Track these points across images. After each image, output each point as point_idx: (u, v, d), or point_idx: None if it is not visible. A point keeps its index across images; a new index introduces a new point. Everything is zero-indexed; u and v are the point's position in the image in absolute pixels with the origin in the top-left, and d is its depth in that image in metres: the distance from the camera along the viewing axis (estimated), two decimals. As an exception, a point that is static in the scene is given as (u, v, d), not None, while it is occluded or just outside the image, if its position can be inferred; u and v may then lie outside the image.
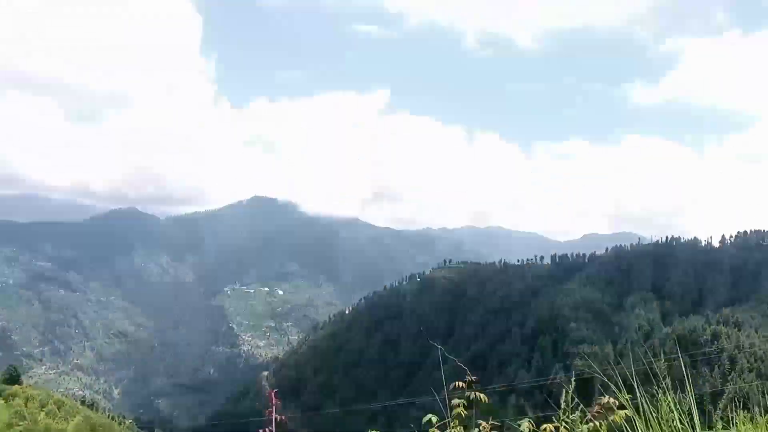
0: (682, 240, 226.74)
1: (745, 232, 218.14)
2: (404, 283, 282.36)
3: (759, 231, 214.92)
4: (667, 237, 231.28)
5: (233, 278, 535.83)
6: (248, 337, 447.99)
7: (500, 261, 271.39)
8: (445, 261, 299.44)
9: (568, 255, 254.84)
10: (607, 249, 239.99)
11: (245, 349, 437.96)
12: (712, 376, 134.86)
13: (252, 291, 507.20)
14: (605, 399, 5.24)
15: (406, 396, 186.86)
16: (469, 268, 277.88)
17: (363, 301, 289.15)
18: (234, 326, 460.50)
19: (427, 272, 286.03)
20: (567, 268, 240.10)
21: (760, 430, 5.62)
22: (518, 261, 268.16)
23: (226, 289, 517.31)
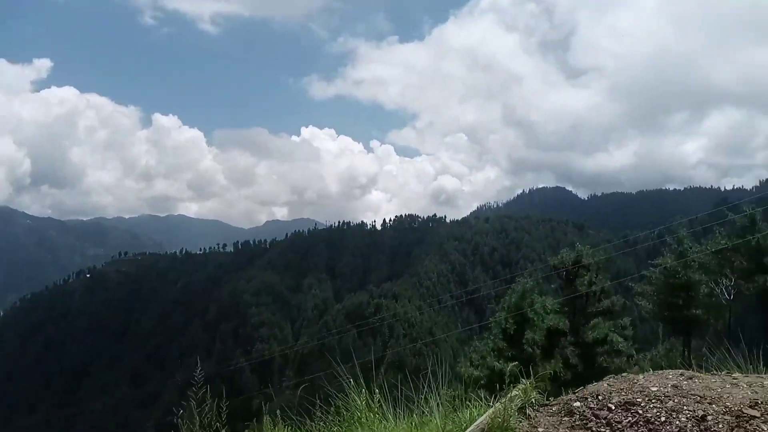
0: (351, 224, 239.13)
1: (401, 216, 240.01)
2: (71, 279, 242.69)
3: (412, 215, 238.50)
4: (339, 222, 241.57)
5: None
6: None
7: (181, 250, 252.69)
8: (120, 253, 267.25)
9: (251, 242, 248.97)
10: (287, 235, 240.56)
11: None
12: (375, 343, 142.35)
13: None
14: None
15: (75, 403, 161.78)
16: (147, 260, 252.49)
17: (18, 303, 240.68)
18: None
19: (99, 266, 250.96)
20: (249, 254, 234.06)
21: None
22: (200, 250, 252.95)
23: None
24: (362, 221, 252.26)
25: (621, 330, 27.47)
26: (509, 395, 5.17)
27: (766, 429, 4.07)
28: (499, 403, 5.06)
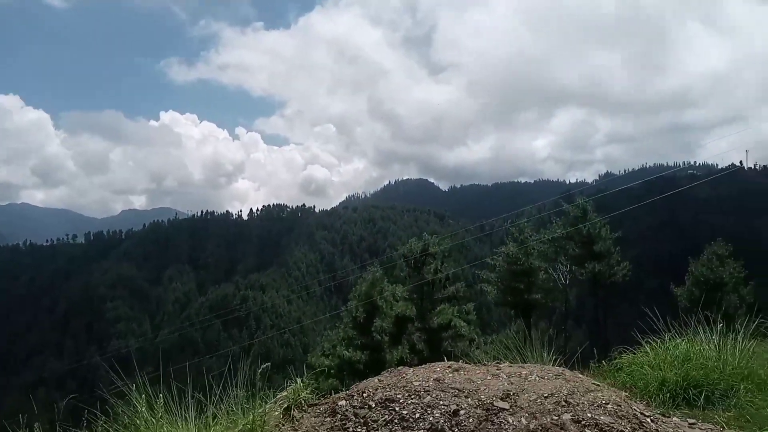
0: (216, 214, 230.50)
1: (269, 205, 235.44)
2: None
3: (280, 204, 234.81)
4: (202, 211, 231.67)
5: None
6: None
7: (25, 242, 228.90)
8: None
9: (105, 232, 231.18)
10: (145, 225, 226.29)
11: None
12: (241, 336, 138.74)
13: None
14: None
15: None
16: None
17: None
18: None
19: None
20: (103, 245, 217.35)
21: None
22: (47, 241, 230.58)
23: None
24: (228, 210, 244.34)
25: (465, 315, 28.68)
26: (278, 396, 4.81)
27: (512, 421, 4.03)
28: (267, 405, 4.68)
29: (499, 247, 40.95)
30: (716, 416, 5.06)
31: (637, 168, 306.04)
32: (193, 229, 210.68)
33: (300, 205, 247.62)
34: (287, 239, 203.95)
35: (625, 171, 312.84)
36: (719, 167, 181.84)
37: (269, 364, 4.68)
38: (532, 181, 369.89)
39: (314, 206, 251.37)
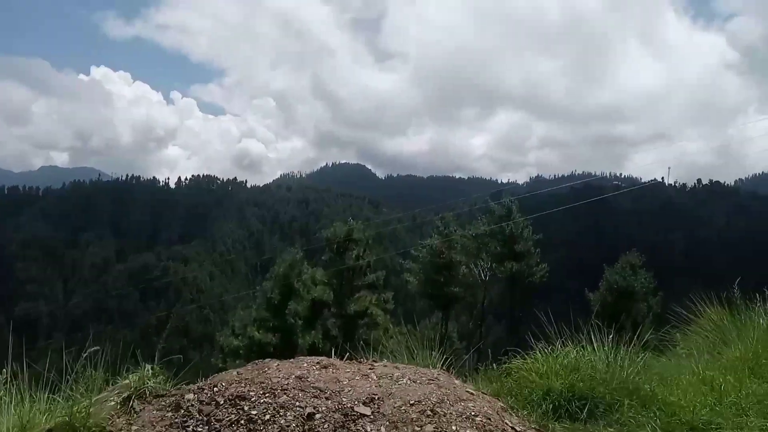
0: (142, 179, 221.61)
1: (199, 176, 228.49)
2: None
3: (210, 176, 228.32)
4: (128, 175, 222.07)
5: None
6: None
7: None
8: None
9: (20, 187, 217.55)
10: (65, 183, 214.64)
11: None
12: (159, 308, 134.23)
13: None
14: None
15: None
16: None
17: None
18: None
19: None
20: (18, 201, 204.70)
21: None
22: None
23: None
24: (155, 177, 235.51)
25: (383, 304, 28.54)
26: (120, 383, 4.22)
27: (370, 430, 3.65)
28: (102, 395, 4.08)
29: (425, 239, 41.15)
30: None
31: (566, 174, 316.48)
32: (117, 193, 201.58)
33: (232, 178, 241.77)
34: (215, 212, 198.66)
35: (555, 176, 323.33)
36: (642, 180, 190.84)
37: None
38: (466, 178, 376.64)
39: (246, 181, 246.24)
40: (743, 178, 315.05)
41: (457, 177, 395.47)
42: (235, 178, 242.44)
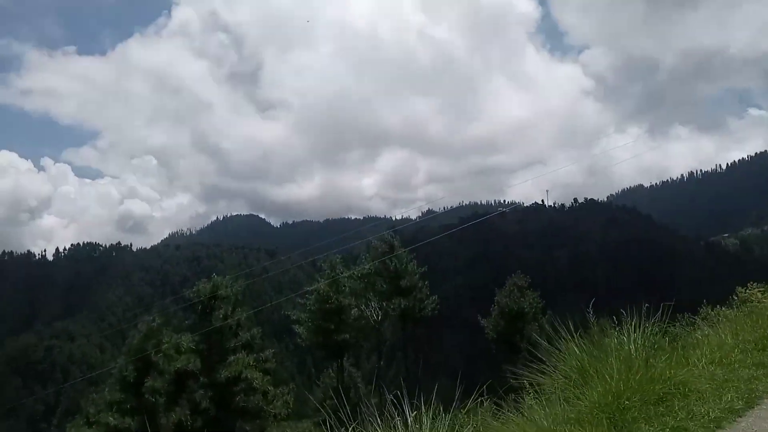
0: (15, 254, 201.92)
1: (79, 244, 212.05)
2: None
3: (92, 243, 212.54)
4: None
5: None
6: None
7: None
8: None
9: None
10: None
11: None
12: (45, 391, 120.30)
13: None
14: None
15: None
16: None
17: None
18: None
19: None
20: None
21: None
22: None
23: None
24: (29, 250, 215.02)
25: (262, 363, 25.71)
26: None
27: None
28: None
29: (310, 284, 38.78)
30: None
31: (455, 206, 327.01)
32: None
33: (115, 243, 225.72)
34: (99, 281, 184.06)
35: (444, 208, 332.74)
36: (524, 204, 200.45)
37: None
38: (362, 218, 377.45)
39: (131, 244, 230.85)
40: (614, 194, 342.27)
41: (352, 218, 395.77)
42: (119, 243, 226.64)
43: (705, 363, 6.08)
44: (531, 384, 5.69)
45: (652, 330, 6.14)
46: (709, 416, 4.64)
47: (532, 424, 4.65)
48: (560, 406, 4.89)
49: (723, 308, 16.33)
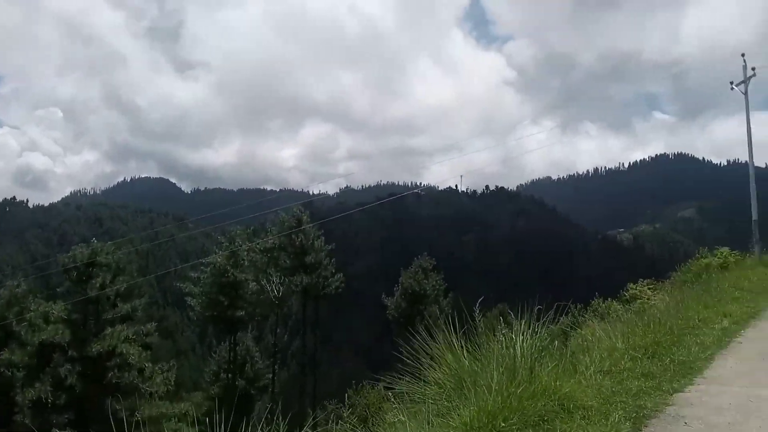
0: None
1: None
2: None
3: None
4: None
5: None
6: None
7: None
8: None
9: None
10: None
11: None
12: None
13: None
14: None
15: None
16: None
17: None
18: None
19: None
20: None
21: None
22: None
23: None
24: None
25: (142, 338, 23.67)
26: None
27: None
28: None
29: (206, 256, 36.68)
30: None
31: (372, 184, 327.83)
32: None
33: (10, 198, 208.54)
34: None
35: (362, 186, 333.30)
36: (439, 188, 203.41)
37: None
38: (278, 189, 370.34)
39: (27, 200, 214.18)
40: (523, 184, 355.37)
41: (268, 189, 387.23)
42: (14, 198, 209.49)
43: (593, 371, 5.42)
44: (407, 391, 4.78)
45: (542, 331, 5.32)
46: (593, 444, 3.91)
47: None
48: (428, 424, 4.07)
49: (614, 301, 16.63)
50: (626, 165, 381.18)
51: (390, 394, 5.13)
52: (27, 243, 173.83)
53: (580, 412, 4.32)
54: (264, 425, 3.94)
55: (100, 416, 20.84)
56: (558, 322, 5.82)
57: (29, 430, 18.04)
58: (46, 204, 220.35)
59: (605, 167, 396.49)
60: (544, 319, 5.37)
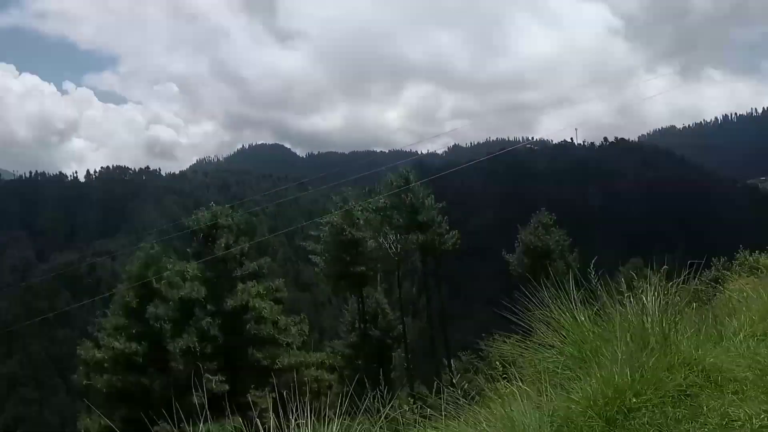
0: (48, 175, 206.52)
1: (109, 167, 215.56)
2: None
3: (121, 167, 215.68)
4: (32, 172, 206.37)
5: None
6: None
7: None
8: None
9: None
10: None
11: None
12: (93, 306, 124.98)
13: None
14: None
15: None
16: None
17: None
18: None
19: None
20: None
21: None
22: None
23: None
24: (61, 171, 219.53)
25: (273, 292, 25.12)
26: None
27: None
28: None
29: (322, 216, 37.92)
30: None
31: (482, 141, 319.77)
32: (22, 192, 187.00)
33: (144, 167, 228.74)
34: (132, 203, 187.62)
35: (471, 143, 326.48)
36: (554, 142, 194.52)
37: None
38: (387, 151, 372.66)
39: (160, 169, 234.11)
40: (645, 134, 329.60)
41: (378, 151, 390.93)
42: (148, 167, 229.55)
43: (744, 337, 4.44)
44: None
45: (678, 290, 4.56)
46: (752, 424, 3.00)
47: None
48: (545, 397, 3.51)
49: (762, 254, 14.13)
50: (759, 110, 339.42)
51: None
52: (167, 207, 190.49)
53: (731, 386, 3.61)
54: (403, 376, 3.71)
55: (245, 364, 22.85)
56: (698, 278, 5.09)
57: (185, 374, 19.99)
58: (177, 172, 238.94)
59: (735, 113, 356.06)
60: (683, 276, 4.66)
